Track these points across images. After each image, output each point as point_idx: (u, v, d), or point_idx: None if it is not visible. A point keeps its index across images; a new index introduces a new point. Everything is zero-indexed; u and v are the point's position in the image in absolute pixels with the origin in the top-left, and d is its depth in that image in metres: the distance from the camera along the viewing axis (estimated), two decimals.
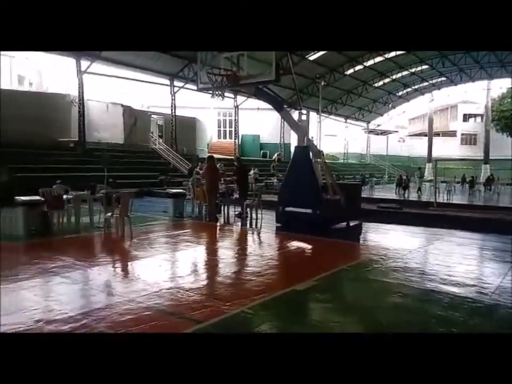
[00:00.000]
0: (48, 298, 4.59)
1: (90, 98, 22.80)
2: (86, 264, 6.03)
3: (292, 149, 35.61)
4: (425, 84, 41.23)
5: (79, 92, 20.40)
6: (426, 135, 45.92)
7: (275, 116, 32.45)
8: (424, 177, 25.26)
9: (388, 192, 23.33)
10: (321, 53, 27.78)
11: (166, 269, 6.09)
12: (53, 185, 9.30)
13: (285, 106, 9.96)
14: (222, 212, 11.20)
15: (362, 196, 11.91)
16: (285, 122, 30.57)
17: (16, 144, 16.75)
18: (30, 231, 7.93)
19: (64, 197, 8.90)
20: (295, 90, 22.92)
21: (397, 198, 19.33)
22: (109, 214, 8.35)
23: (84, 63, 20.13)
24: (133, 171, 19.50)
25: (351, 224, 9.20)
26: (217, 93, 9.47)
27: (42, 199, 8.32)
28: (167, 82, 25.50)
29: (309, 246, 7.74)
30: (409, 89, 42.55)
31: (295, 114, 9.88)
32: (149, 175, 19.94)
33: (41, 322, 3.74)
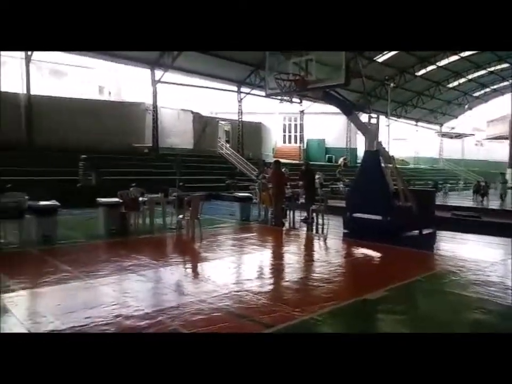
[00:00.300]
0: (125, 294, 4.84)
1: (163, 106, 23.99)
2: (159, 263, 6.34)
3: (358, 154, 34.63)
4: (506, 83, 38.07)
5: (153, 100, 21.62)
6: (507, 138, 42.36)
7: (341, 120, 31.91)
8: (508, 183, 23.28)
9: (464, 200, 21.87)
10: (390, 54, 26.83)
11: (234, 271, 6.22)
12: (129, 188, 9.86)
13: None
14: (288, 217, 11.19)
15: (436, 203, 11.27)
16: (352, 127, 29.99)
17: (98, 150, 18.13)
18: (110, 230, 8.52)
19: (140, 199, 9.41)
20: (362, 93, 22.35)
21: (475, 206, 18.02)
22: (181, 216, 8.69)
23: (158, 73, 21.29)
24: (202, 175, 20.15)
25: (424, 232, 8.75)
26: (285, 98, 9.51)
27: (121, 201, 8.87)
28: (235, 88, 26.16)
29: (379, 254, 7.47)
30: (487, 90, 39.66)
31: (362, 118, 9.62)
32: (216, 179, 20.50)
33: (119, 318, 3.95)
